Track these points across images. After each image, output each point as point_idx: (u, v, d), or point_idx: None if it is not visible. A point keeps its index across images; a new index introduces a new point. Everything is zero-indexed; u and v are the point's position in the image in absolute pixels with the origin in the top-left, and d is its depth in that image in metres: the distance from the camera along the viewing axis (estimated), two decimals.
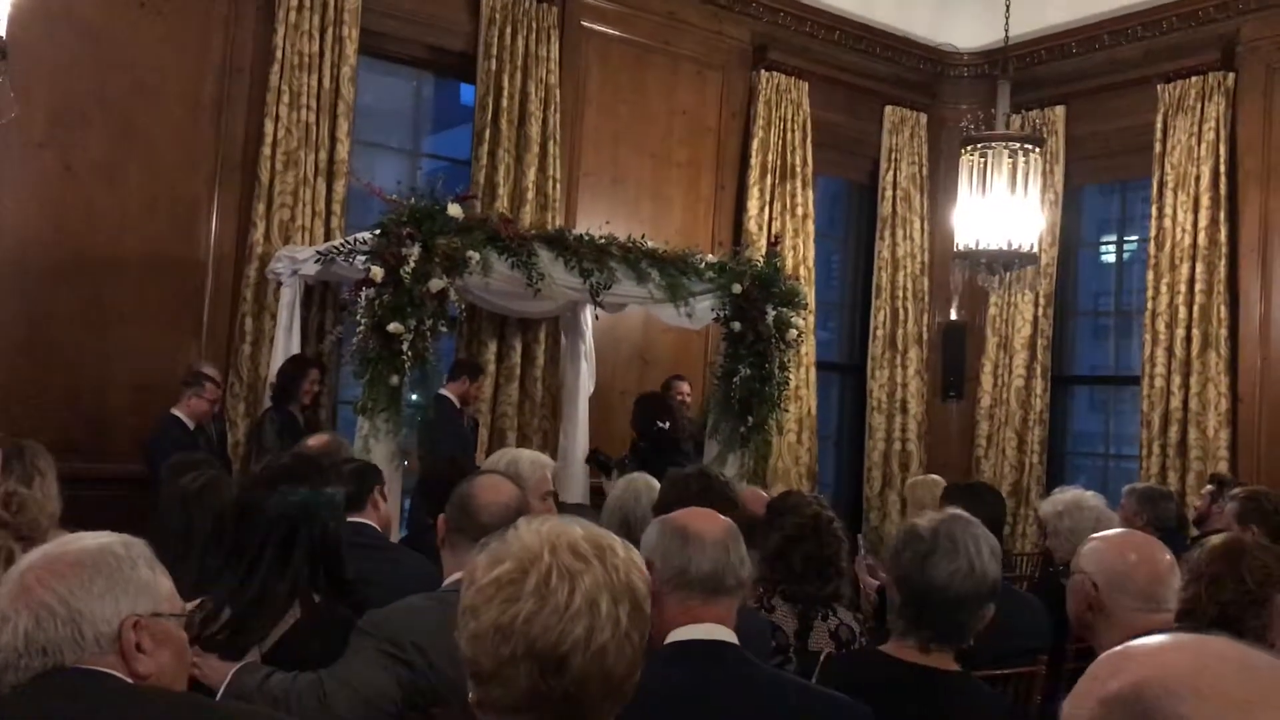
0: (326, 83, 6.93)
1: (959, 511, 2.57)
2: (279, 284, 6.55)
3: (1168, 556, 2.59)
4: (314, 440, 4.52)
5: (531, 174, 7.61)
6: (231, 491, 2.86)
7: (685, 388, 7.54)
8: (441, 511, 2.79)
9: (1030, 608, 3.68)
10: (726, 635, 2.14)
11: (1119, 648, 0.99)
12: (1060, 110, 9.13)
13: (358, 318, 5.66)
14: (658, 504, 3.61)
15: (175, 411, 6.07)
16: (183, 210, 6.62)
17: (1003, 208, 7.18)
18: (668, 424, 6.64)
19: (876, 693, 2.21)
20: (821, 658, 2.71)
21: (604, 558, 1.48)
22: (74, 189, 6.27)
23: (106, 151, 6.38)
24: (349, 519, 3.07)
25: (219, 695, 2.32)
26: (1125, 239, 9.84)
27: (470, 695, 1.48)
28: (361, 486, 3.51)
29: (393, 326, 5.49)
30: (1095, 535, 2.71)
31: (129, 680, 1.72)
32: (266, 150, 6.72)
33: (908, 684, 2.33)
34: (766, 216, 8.76)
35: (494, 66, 7.53)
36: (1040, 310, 9.22)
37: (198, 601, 2.33)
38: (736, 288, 6.87)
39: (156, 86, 6.52)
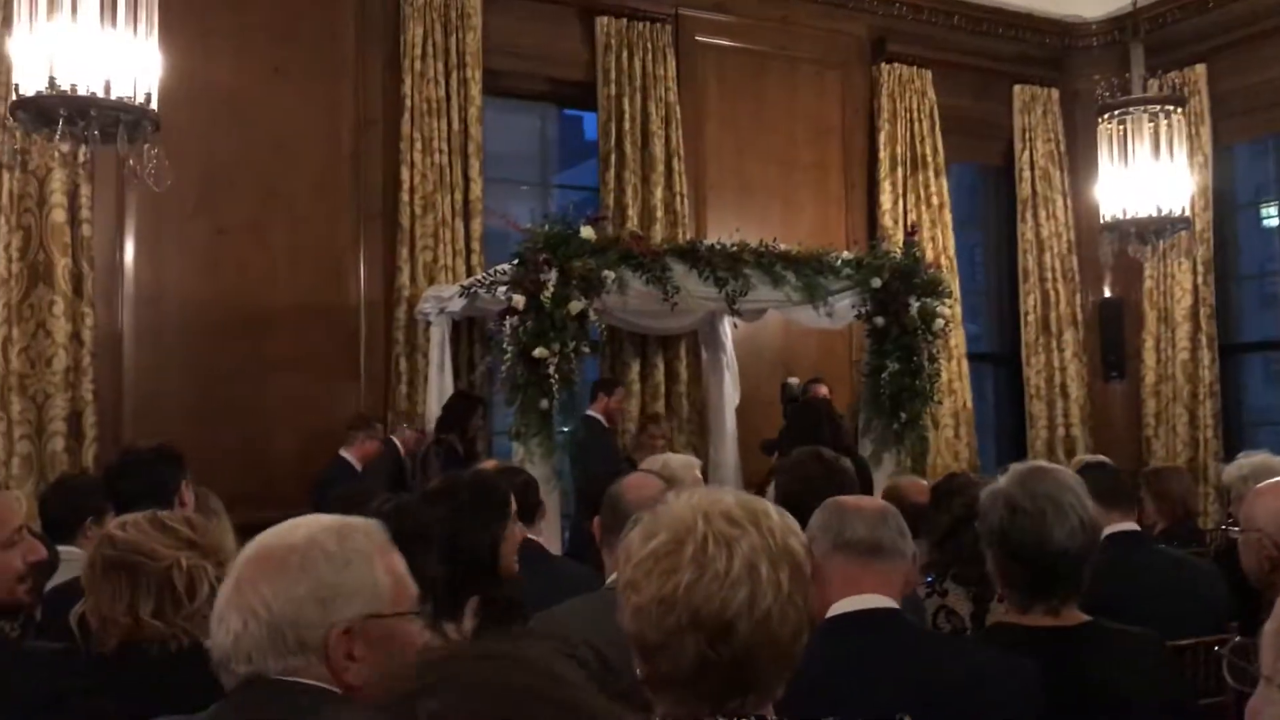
0: (455, 125, 7.12)
1: (1029, 466, 2.42)
2: (428, 323, 6.74)
3: None
4: (489, 464, 4.68)
5: (659, 192, 7.66)
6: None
7: (824, 390, 7.29)
8: (597, 514, 2.82)
9: (1207, 576, 3.50)
10: (889, 603, 2.10)
11: None
12: (1200, 69, 8.71)
13: (504, 346, 5.81)
14: (779, 495, 3.42)
15: (344, 454, 6.32)
16: (329, 261, 6.88)
17: (1148, 174, 6.94)
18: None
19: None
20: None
21: (758, 523, 1.46)
22: (227, 250, 6.57)
23: (253, 212, 6.67)
24: None
25: None
26: None
27: (638, 671, 1.47)
28: None
29: (538, 351, 5.64)
30: (1262, 486, 2.51)
31: (333, 690, 1.60)
32: (405, 196, 6.94)
33: (1062, 646, 2.23)
34: (901, 209, 8.61)
35: (614, 91, 7.63)
36: (1200, 278, 8.78)
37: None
38: (876, 282, 6.77)
39: (295, 146, 6.80)
